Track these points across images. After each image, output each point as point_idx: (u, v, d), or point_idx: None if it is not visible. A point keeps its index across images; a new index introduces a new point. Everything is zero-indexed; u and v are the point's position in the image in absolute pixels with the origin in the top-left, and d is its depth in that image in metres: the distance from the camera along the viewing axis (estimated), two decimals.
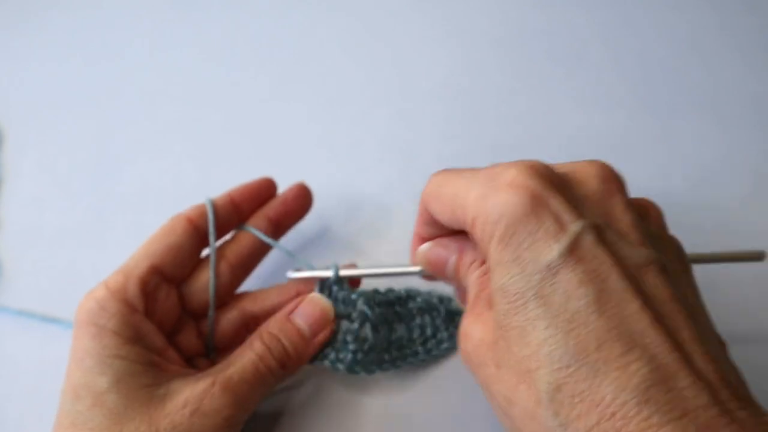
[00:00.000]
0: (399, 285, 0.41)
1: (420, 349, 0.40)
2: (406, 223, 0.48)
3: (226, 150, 0.53)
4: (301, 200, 0.43)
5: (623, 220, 0.28)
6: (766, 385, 0.31)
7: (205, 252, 0.40)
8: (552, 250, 0.25)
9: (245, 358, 0.35)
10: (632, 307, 0.24)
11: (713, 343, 0.26)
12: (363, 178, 0.51)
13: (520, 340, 0.25)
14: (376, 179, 0.51)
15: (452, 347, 0.41)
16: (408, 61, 0.58)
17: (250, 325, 0.39)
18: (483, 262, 0.32)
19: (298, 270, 0.39)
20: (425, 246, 0.35)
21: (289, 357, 0.36)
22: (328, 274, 0.38)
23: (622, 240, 0.26)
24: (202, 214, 0.39)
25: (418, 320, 0.40)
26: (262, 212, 0.42)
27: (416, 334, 0.40)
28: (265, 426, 0.39)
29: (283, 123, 0.55)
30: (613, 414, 0.22)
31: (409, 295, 0.40)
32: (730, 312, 0.42)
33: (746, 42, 0.58)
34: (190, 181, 0.51)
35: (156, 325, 0.36)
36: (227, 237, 0.41)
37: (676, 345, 0.23)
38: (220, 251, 0.40)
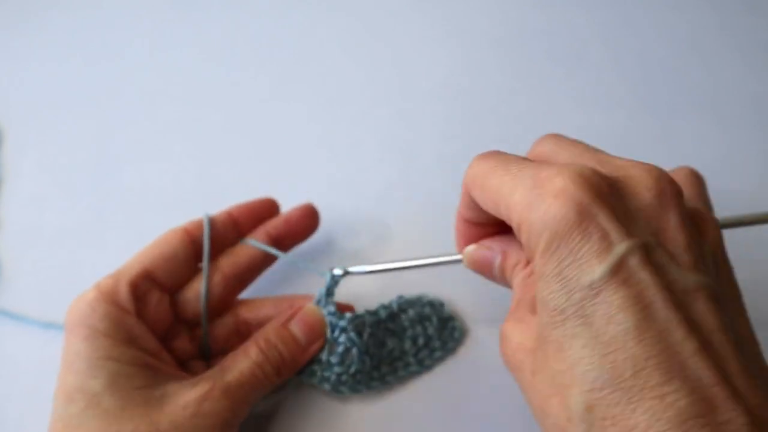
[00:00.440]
0: (398, 289, 0.41)
1: (412, 360, 0.40)
2: (406, 222, 0.48)
3: (226, 150, 0.53)
4: (306, 221, 0.43)
5: (676, 238, 0.26)
6: None
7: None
8: (595, 270, 0.24)
9: (243, 364, 0.35)
10: (676, 335, 0.23)
11: (763, 376, 0.25)
12: (363, 178, 0.51)
13: (556, 354, 0.25)
14: (376, 179, 0.51)
15: (445, 356, 0.41)
16: (408, 61, 0.58)
17: (242, 331, 0.40)
18: (527, 264, 0.32)
19: (344, 271, 0.39)
20: (471, 248, 0.35)
21: (284, 363, 0.36)
22: (361, 270, 0.38)
23: (672, 262, 0.25)
24: (200, 227, 0.39)
25: (409, 332, 0.40)
26: (263, 228, 0.42)
27: (408, 345, 0.40)
28: (259, 426, 0.39)
29: (283, 123, 0.55)
30: None
31: (401, 309, 0.40)
32: None
33: (746, 42, 0.58)
34: (190, 181, 0.51)
35: (149, 329, 0.36)
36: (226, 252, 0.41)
37: (722, 377, 0.22)
38: (215, 263, 0.40)
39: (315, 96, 0.56)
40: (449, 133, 0.54)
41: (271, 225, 0.42)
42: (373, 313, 0.39)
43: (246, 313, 0.40)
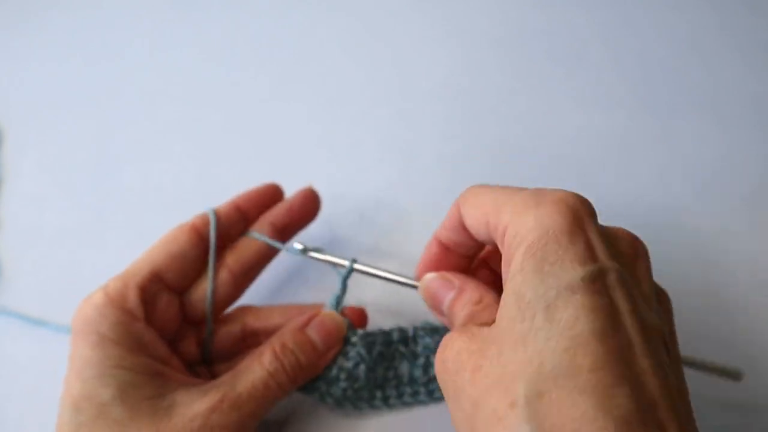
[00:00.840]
0: (414, 319, 0.41)
1: (422, 390, 0.39)
2: (406, 222, 0.48)
3: (226, 150, 0.53)
4: (308, 206, 0.42)
5: (645, 282, 0.28)
6: None
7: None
8: (576, 272, 0.25)
9: (255, 373, 0.34)
10: (636, 350, 0.24)
11: (691, 423, 0.26)
12: (363, 178, 0.51)
13: (515, 346, 0.25)
14: (376, 179, 0.51)
15: None
16: (408, 61, 0.58)
17: (249, 340, 0.39)
18: (479, 301, 0.33)
19: (316, 251, 0.39)
20: (430, 277, 0.36)
21: (301, 369, 0.35)
22: (344, 263, 0.38)
23: (640, 298, 0.27)
24: (207, 223, 0.39)
25: (422, 360, 0.39)
26: (265, 218, 0.41)
27: (418, 373, 0.39)
28: None
29: (283, 123, 0.55)
30: None
31: (417, 335, 0.39)
32: None
33: (746, 42, 0.58)
34: (190, 181, 0.51)
35: (158, 334, 0.36)
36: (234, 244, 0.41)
37: (667, 395, 0.24)
38: (221, 259, 0.39)
39: (315, 96, 0.56)
40: (449, 133, 0.54)
41: (274, 215, 0.41)
42: (387, 333, 0.38)
43: (253, 322, 0.39)
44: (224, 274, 0.39)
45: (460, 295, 0.34)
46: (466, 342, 0.28)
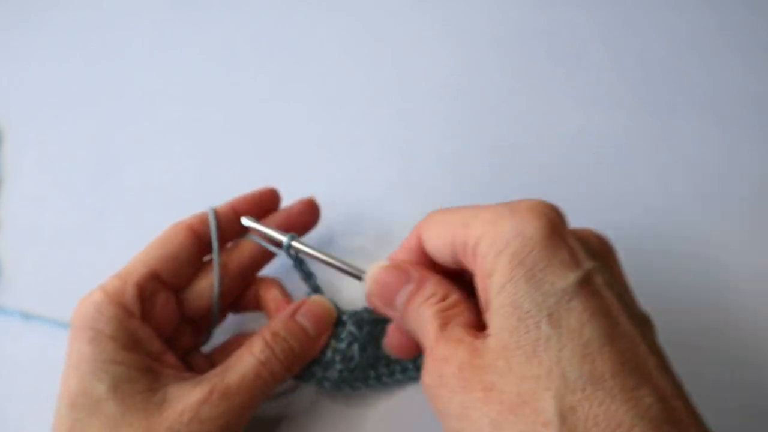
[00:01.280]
0: None
1: (411, 366, 0.39)
2: (406, 222, 0.48)
3: (226, 150, 0.53)
4: (307, 215, 0.43)
5: (621, 276, 0.29)
6: None
7: (206, 259, 0.40)
8: (568, 277, 0.26)
9: (246, 363, 0.34)
10: (641, 349, 0.25)
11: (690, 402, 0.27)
12: (363, 178, 0.51)
13: (527, 360, 0.25)
14: (376, 179, 0.51)
15: None
16: (408, 61, 0.58)
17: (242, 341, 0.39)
18: (444, 299, 0.30)
19: (252, 220, 0.38)
20: (380, 264, 0.33)
21: (295, 356, 0.35)
22: (282, 238, 0.37)
23: (625, 293, 0.28)
24: (203, 222, 0.39)
25: None
26: (264, 223, 0.40)
27: None
28: (264, 430, 0.39)
29: (283, 123, 0.55)
30: None
31: None
32: None
33: (746, 42, 0.58)
34: (190, 181, 0.51)
35: (154, 330, 0.36)
36: (228, 245, 0.41)
37: (679, 393, 0.25)
38: (220, 259, 0.39)
39: (315, 96, 0.56)
40: (449, 133, 0.54)
41: (272, 220, 0.41)
42: (371, 310, 0.38)
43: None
44: (223, 274, 0.39)
45: (420, 289, 0.31)
46: (467, 356, 0.27)
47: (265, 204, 0.42)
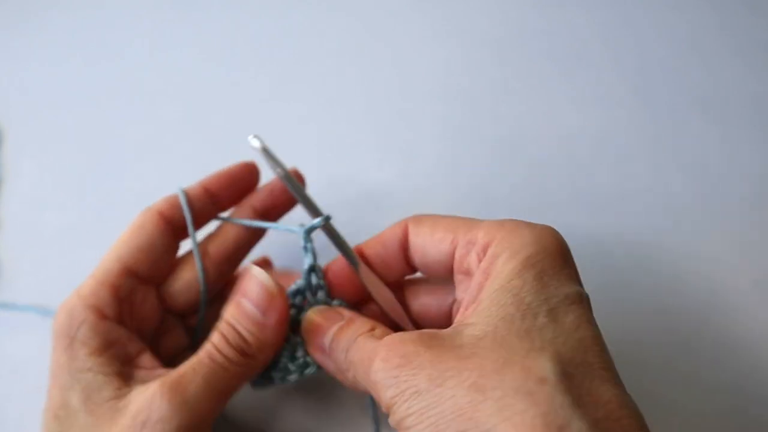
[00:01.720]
0: None
1: None
2: None
3: (226, 150, 0.53)
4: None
5: None
6: None
7: (184, 248, 0.37)
8: (571, 287, 0.28)
9: (201, 350, 0.32)
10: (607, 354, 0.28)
11: None
12: (363, 178, 0.51)
13: (518, 340, 0.26)
14: (376, 179, 0.51)
15: None
16: (408, 61, 0.58)
17: None
18: (372, 329, 0.31)
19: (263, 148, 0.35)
20: (316, 311, 0.34)
21: (247, 344, 0.32)
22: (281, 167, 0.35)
23: None
24: (174, 206, 0.36)
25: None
26: (247, 202, 0.39)
27: None
28: None
29: (283, 123, 0.55)
30: (619, 419, 0.24)
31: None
32: None
33: (746, 42, 0.58)
34: (190, 181, 0.51)
35: (134, 331, 0.34)
36: (211, 230, 0.39)
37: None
38: (201, 246, 0.37)
39: (315, 96, 0.56)
40: (449, 133, 0.54)
41: (256, 198, 0.39)
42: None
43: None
44: (205, 263, 0.37)
45: (350, 324, 0.32)
46: (432, 339, 0.27)
47: (242, 180, 0.39)
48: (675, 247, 0.47)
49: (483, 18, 0.61)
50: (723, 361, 0.42)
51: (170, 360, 0.36)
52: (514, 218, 0.31)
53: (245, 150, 0.53)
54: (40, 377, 0.42)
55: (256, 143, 0.34)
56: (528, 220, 0.31)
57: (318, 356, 0.33)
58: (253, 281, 0.33)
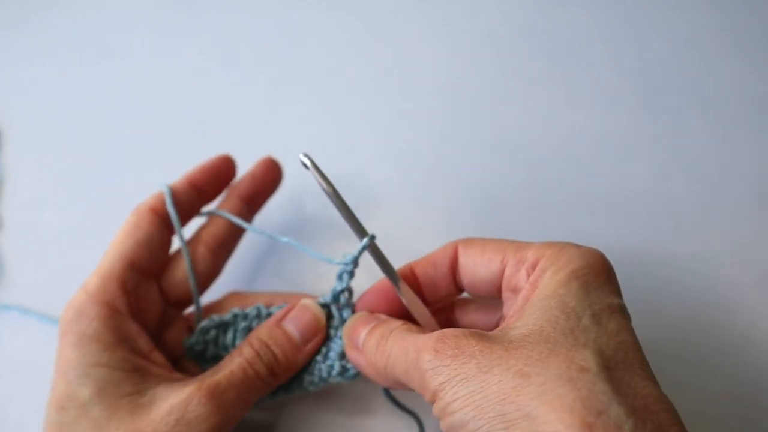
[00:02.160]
0: None
1: None
2: (406, 223, 0.48)
3: (226, 150, 0.53)
4: (271, 174, 0.43)
5: None
6: None
7: (176, 241, 0.39)
8: (614, 299, 0.29)
9: (234, 362, 0.34)
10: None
11: None
12: (363, 178, 0.51)
13: (564, 335, 0.27)
14: (376, 179, 0.51)
15: None
16: (408, 61, 0.58)
17: None
18: (404, 325, 0.33)
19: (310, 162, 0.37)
20: (357, 315, 0.36)
21: (278, 363, 0.35)
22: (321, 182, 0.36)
23: None
24: (165, 202, 0.38)
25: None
26: (233, 192, 0.41)
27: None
28: None
29: (283, 123, 0.55)
30: (656, 412, 0.25)
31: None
32: None
33: (746, 42, 0.58)
34: None
35: (141, 326, 0.35)
36: (202, 221, 0.41)
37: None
38: (196, 235, 0.39)
39: (315, 96, 0.56)
40: (449, 133, 0.54)
41: (240, 187, 0.41)
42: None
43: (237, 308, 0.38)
44: (202, 250, 0.39)
45: (383, 323, 0.34)
46: (481, 337, 0.28)
47: (222, 171, 0.41)
48: (675, 247, 0.47)
49: (483, 18, 0.61)
50: (723, 361, 0.42)
51: (173, 353, 0.38)
52: (562, 240, 0.32)
53: (246, 150, 0.53)
54: (40, 377, 0.42)
55: (306, 161, 0.36)
56: (577, 243, 0.32)
57: (352, 355, 0.35)
58: (304, 309, 0.36)
